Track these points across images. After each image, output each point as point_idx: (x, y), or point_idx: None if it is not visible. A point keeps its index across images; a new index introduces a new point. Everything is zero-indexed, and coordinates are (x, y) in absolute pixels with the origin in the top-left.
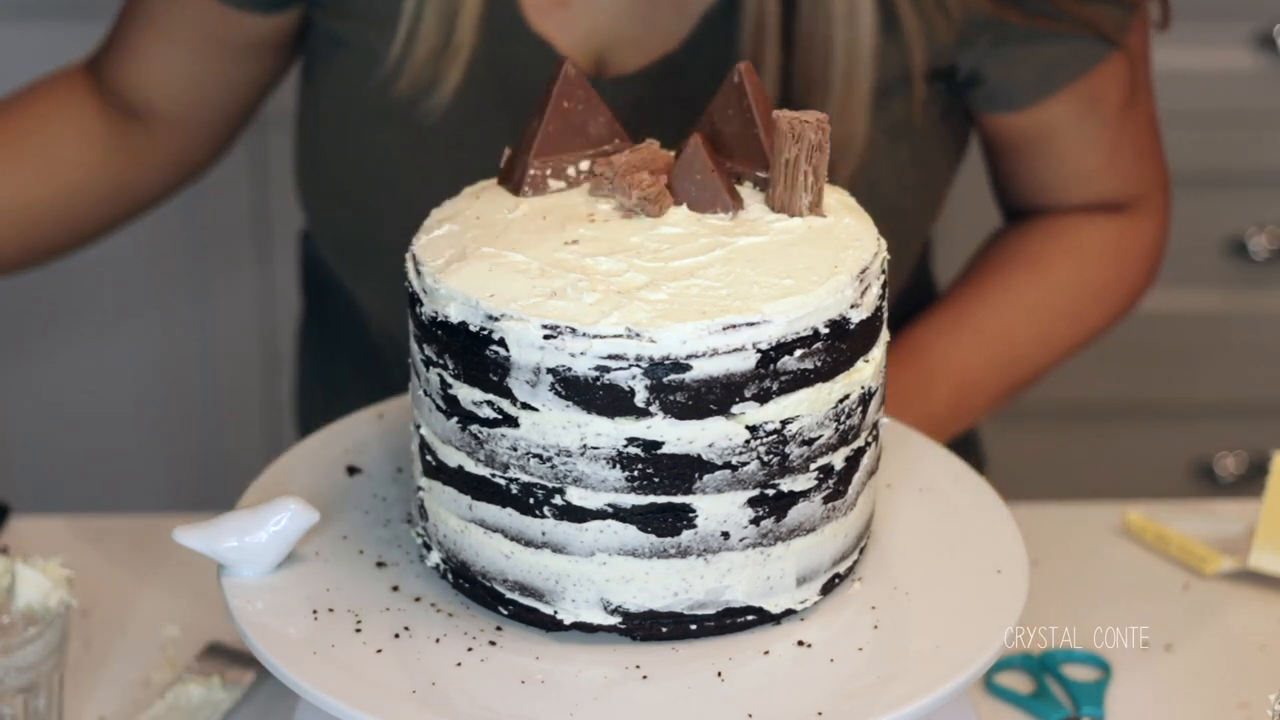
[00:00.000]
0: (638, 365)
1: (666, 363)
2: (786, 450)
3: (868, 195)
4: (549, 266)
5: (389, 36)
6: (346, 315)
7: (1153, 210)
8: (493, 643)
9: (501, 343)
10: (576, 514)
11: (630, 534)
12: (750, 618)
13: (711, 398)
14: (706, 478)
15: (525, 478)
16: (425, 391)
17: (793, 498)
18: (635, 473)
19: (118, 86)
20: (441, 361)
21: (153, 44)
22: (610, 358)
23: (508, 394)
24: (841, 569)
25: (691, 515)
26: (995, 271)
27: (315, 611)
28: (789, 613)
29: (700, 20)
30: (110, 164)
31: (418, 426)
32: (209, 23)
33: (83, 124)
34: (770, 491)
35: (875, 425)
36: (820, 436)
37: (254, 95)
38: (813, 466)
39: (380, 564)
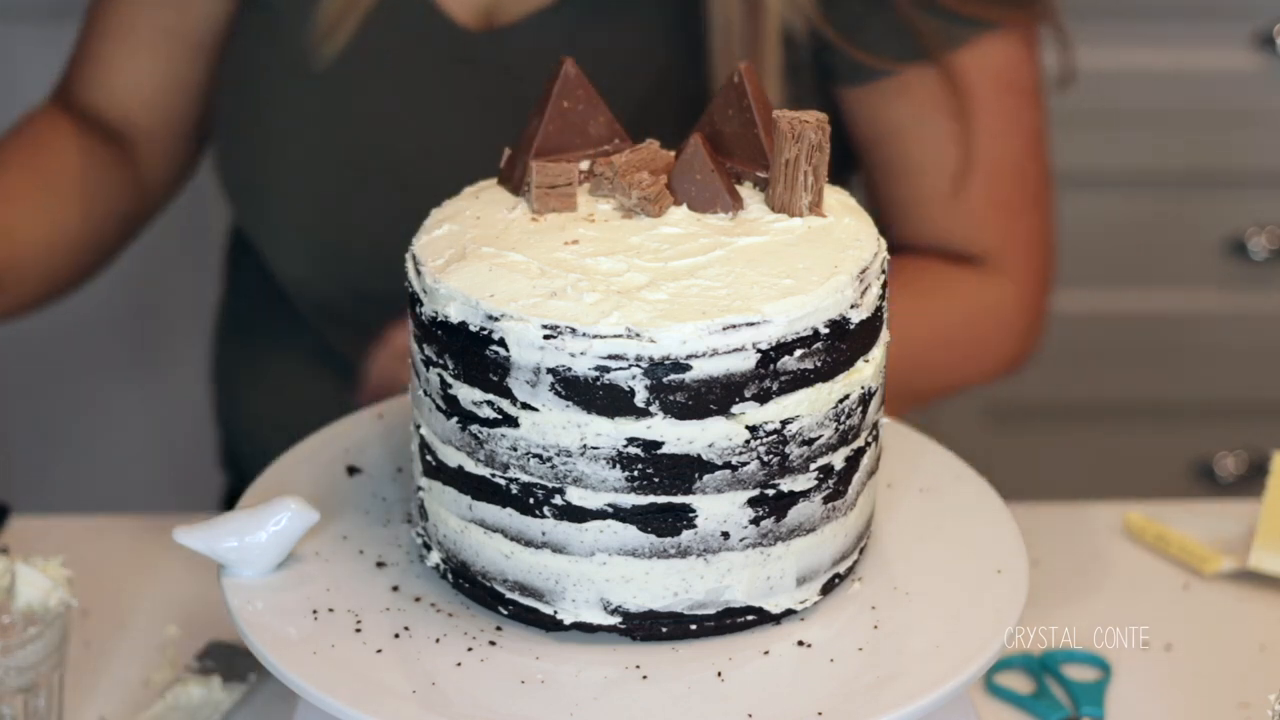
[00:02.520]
0: (638, 365)
1: (666, 363)
2: (786, 450)
3: None
4: (549, 266)
5: None
6: (265, 288)
7: (1015, 277)
8: (493, 643)
9: (501, 343)
10: (576, 514)
11: (630, 534)
12: (750, 618)
13: (711, 398)
14: (706, 478)
15: (525, 478)
16: (425, 391)
17: (793, 498)
18: (635, 473)
19: (93, 108)
20: (441, 361)
21: (115, 52)
22: (610, 358)
23: (508, 394)
24: (841, 569)
25: (691, 515)
26: None
27: (315, 611)
28: (789, 613)
29: None
30: (109, 188)
31: (418, 426)
32: (166, 16)
33: (73, 154)
34: (770, 491)
35: (875, 425)
36: (820, 436)
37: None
38: (813, 466)
39: (380, 564)
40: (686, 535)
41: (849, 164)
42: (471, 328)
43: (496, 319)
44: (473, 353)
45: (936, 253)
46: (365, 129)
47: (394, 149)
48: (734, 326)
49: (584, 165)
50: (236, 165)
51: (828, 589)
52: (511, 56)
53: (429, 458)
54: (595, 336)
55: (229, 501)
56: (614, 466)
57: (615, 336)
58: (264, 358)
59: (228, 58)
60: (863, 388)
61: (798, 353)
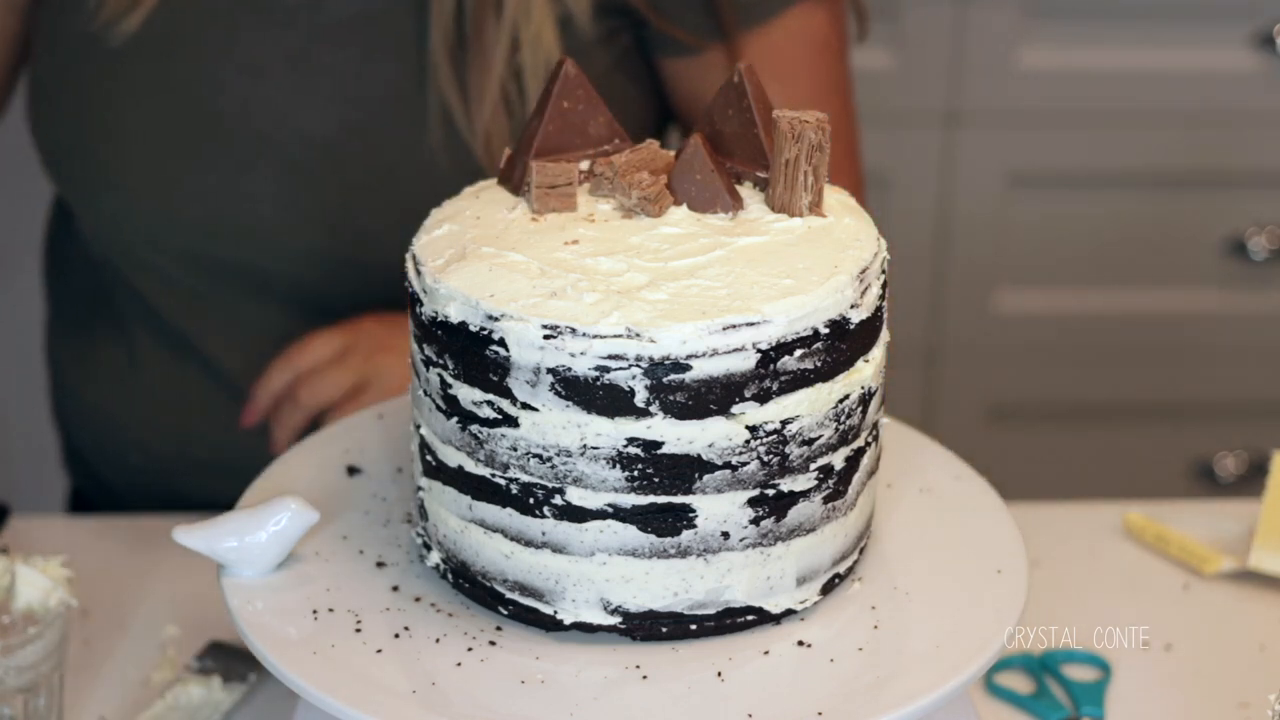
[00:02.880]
0: (638, 365)
1: (666, 363)
2: (786, 450)
3: None
4: (549, 266)
5: None
6: (90, 277)
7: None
8: (493, 643)
9: (501, 343)
10: (576, 514)
11: (630, 534)
12: (750, 618)
13: (711, 398)
14: (706, 478)
15: (525, 478)
16: (425, 391)
17: (793, 498)
18: (635, 473)
19: None
20: (441, 361)
21: None
22: (610, 358)
23: (508, 394)
24: (841, 569)
25: (691, 515)
26: None
27: (315, 611)
28: (789, 613)
29: None
30: None
31: (418, 426)
32: None
33: None
34: (770, 491)
35: (875, 425)
36: (820, 436)
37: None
38: (813, 466)
39: (380, 564)
40: (686, 535)
41: (666, 121)
42: (471, 328)
43: (496, 319)
44: (473, 353)
45: None
46: (187, 94)
47: (222, 113)
48: (734, 326)
49: (584, 165)
50: (67, 144)
51: (828, 589)
52: (327, 18)
53: (429, 458)
54: (595, 336)
55: (75, 503)
56: (614, 466)
57: (615, 336)
58: (96, 351)
59: (39, 30)
60: (863, 388)
61: (798, 353)
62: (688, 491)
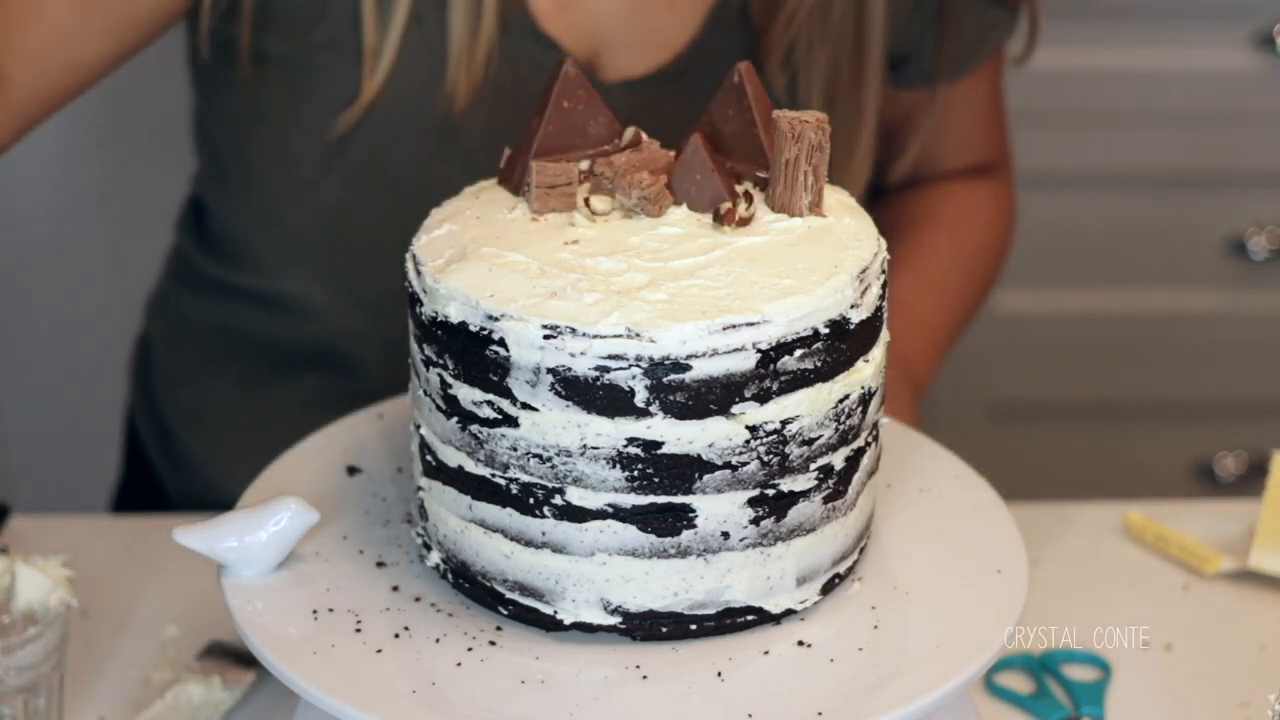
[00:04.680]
0: (638, 365)
1: (666, 363)
2: (786, 450)
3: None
4: (549, 266)
5: (353, 57)
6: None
7: (1008, 170)
8: (493, 643)
9: (501, 343)
10: (576, 514)
11: (630, 534)
12: (750, 618)
13: (711, 398)
14: (706, 478)
15: (525, 478)
16: (425, 391)
17: (793, 498)
18: (635, 473)
19: None
20: (441, 361)
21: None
22: (610, 358)
23: (508, 394)
24: (841, 569)
25: (691, 515)
26: (918, 234)
27: (315, 611)
28: (789, 613)
29: (704, 25)
30: None
31: (418, 426)
32: None
33: None
34: (770, 491)
35: (875, 425)
36: (820, 436)
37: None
38: (813, 466)
39: (380, 564)
40: (686, 535)
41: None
42: (471, 328)
43: (496, 319)
44: (473, 353)
45: (960, 174)
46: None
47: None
48: (734, 326)
49: (584, 165)
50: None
51: (828, 589)
52: (627, 116)
53: (429, 458)
54: (595, 336)
55: (123, 495)
56: (614, 466)
57: (615, 336)
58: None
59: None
60: (863, 388)
61: (798, 353)
62: (688, 491)
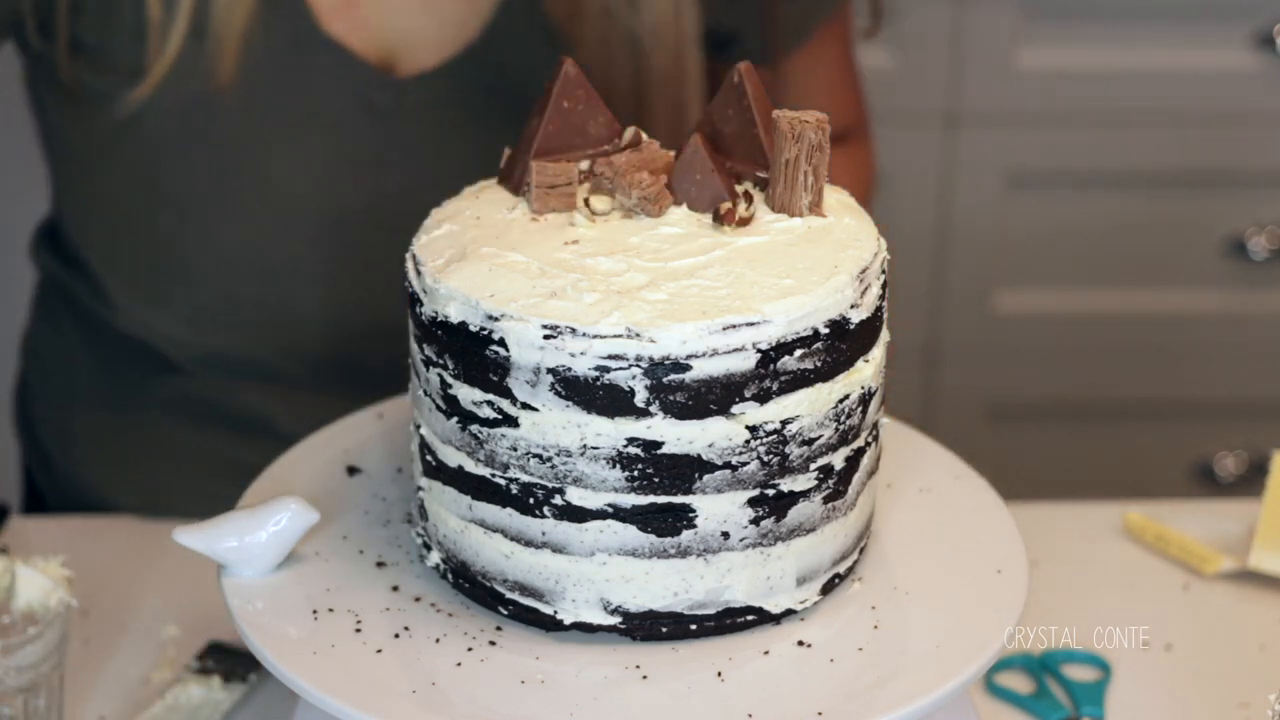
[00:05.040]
0: (638, 365)
1: (666, 363)
2: (786, 450)
3: None
4: (549, 266)
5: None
6: (88, 319)
7: (864, 137)
8: (493, 643)
9: (501, 343)
10: (576, 514)
11: (630, 534)
12: (750, 618)
13: (711, 398)
14: (706, 478)
15: (525, 478)
16: (425, 391)
17: (793, 498)
18: (635, 473)
19: None
20: (441, 361)
21: None
22: (610, 358)
23: (508, 394)
24: (841, 569)
25: (691, 515)
26: None
27: (315, 611)
28: (789, 613)
29: (495, 11)
30: None
31: (418, 426)
32: None
33: None
34: (770, 491)
35: (875, 425)
36: (820, 436)
37: None
38: (813, 466)
39: (380, 564)
40: (686, 535)
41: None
42: (471, 328)
43: (496, 319)
44: (473, 353)
45: None
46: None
47: (309, 199)
48: (734, 326)
49: (584, 165)
50: (130, 246)
51: (828, 589)
52: (431, 108)
53: (429, 458)
54: (595, 336)
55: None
56: (614, 466)
57: (615, 336)
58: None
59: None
60: (863, 388)
61: (798, 353)
62: (688, 491)
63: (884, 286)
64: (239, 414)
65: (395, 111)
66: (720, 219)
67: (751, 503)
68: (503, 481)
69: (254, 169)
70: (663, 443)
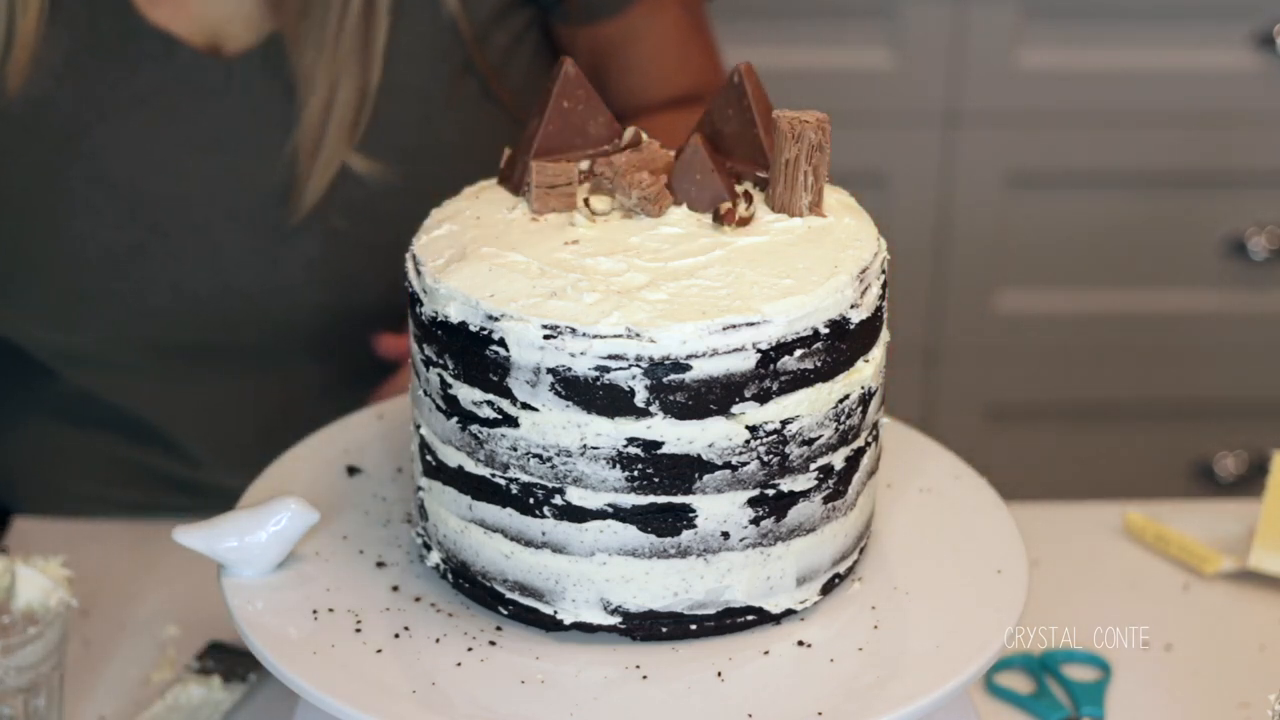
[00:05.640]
0: (638, 365)
1: (666, 363)
2: (786, 450)
3: None
4: (549, 266)
5: None
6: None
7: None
8: (493, 643)
9: (501, 343)
10: (576, 514)
11: (630, 534)
12: (750, 618)
13: (711, 398)
14: (706, 478)
15: (525, 478)
16: (425, 391)
17: (793, 498)
18: (635, 473)
19: None
20: (441, 361)
21: None
22: (610, 358)
23: (508, 394)
24: (841, 569)
25: (691, 515)
26: None
27: (315, 611)
28: (789, 613)
29: None
30: None
31: (418, 426)
32: None
33: None
34: (770, 491)
35: (875, 425)
36: (820, 436)
37: None
38: (813, 466)
39: (380, 564)
40: (686, 535)
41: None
42: (471, 328)
43: (496, 319)
44: (473, 353)
45: (666, 105)
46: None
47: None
48: (734, 326)
49: (584, 165)
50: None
51: (828, 589)
52: (249, 89)
53: (429, 458)
54: (595, 336)
55: None
56: (614, 466)
57: (615, 336)
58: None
59: None
60: (863, 388)
61: (798, 353)
62: (688, 491)
63: (884, 286)
64: (116, 412)
65: (225, 92)
66: (720, 219)
67: (751, 503)
68: (503, 481)
69: (92, 160)
70: (663, 443)
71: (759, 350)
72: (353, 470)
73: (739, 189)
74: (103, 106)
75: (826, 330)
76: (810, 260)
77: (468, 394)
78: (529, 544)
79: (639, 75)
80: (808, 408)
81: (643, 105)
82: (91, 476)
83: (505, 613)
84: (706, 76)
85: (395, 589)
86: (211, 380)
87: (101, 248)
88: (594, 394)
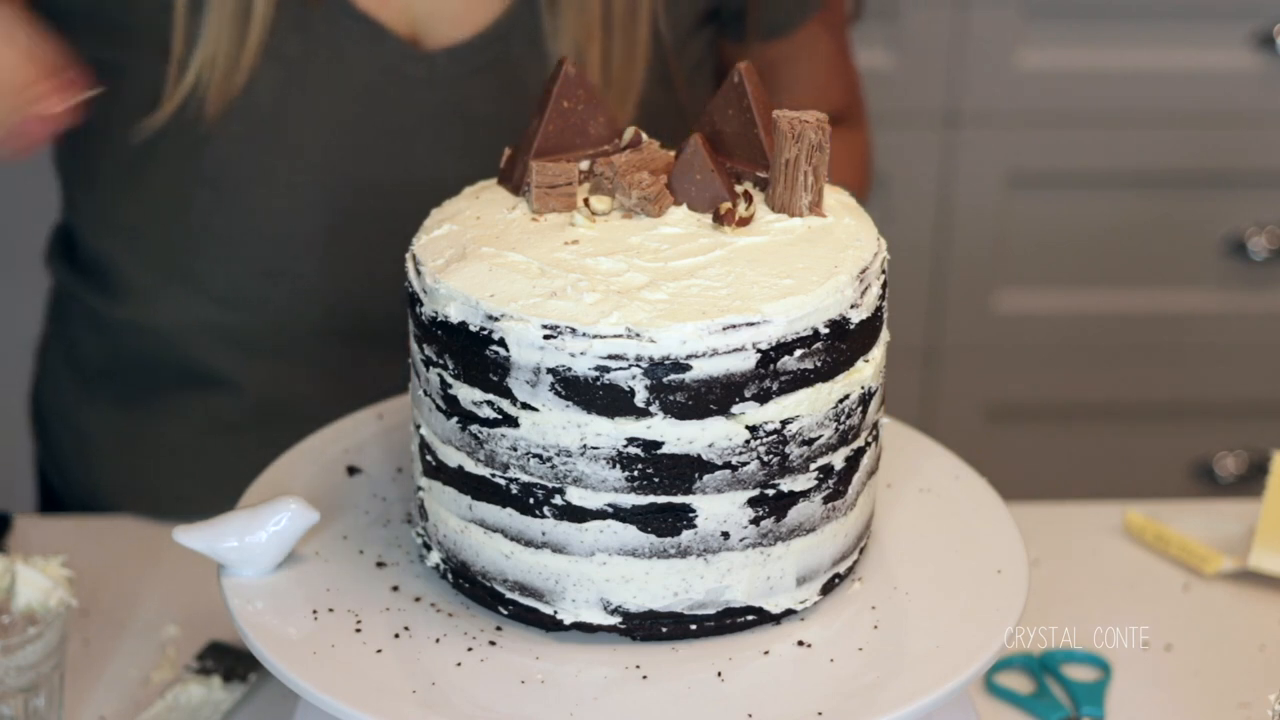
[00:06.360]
0: (638, 365)
1: (666, 363)
2: (786, 450)
3: None
4: (549, 266)
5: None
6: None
7: (860, 118)
8: (493, 643)
9: (501, 343)
10: (576, 514)
11: (630, 534)
12: (750, 618)
13: (711, 398)
14: (706, 478)
15: (525, 478)
16: (425, 391)
17: (793, 498)
18: (635, 473)
19: None
20: (441, 361)
21: None
22: (610, 358)
23: (508, 394)
24: (841, 569)
25: (691, 515)
26: None
27: (315, 611)
28: (789, 613)
29: None
30: None
31: (418, 426)
32: None
33: None
34: (770, 491)
35: (875, 425)
36: (820, 436)
37: None
38: (813, 466)
39: (380, 564)
40: (686, 535)
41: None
42: (471, 328)
43: (496, 319)
44: (473, 353)
45: None
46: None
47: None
48: (734, 326)
49: (584, 165)
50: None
51: (828, 589)
52: (453, 84)
53: (429, 458)
54: (595, 336)
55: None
56: (614, 466)
57: (615, 336)
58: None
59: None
60: (863, 388)
61: (798, 353)
62: (688, 491)
63: (884, 286)
64: (253, 407)
65: (426, 83)
66: (720, 219)
67: (751, 503)
68: (503, 481)
69: (288, 142)
70: (663, 443)
71: (759, 350)
72: (353, 470)
73: (739, 189)
74: (307, 87)
75: (826, 330)
76: (810, 260)
77: (468, 394)
78: (529, 544)
79: (795, 93)
80: (808, 408)
81: None
82: (212, 478)
83: (505, 613)
84: (852, 96)
85: (395, 589)
86: (361, 362)
87: (296, 228)
88: (594, 394)
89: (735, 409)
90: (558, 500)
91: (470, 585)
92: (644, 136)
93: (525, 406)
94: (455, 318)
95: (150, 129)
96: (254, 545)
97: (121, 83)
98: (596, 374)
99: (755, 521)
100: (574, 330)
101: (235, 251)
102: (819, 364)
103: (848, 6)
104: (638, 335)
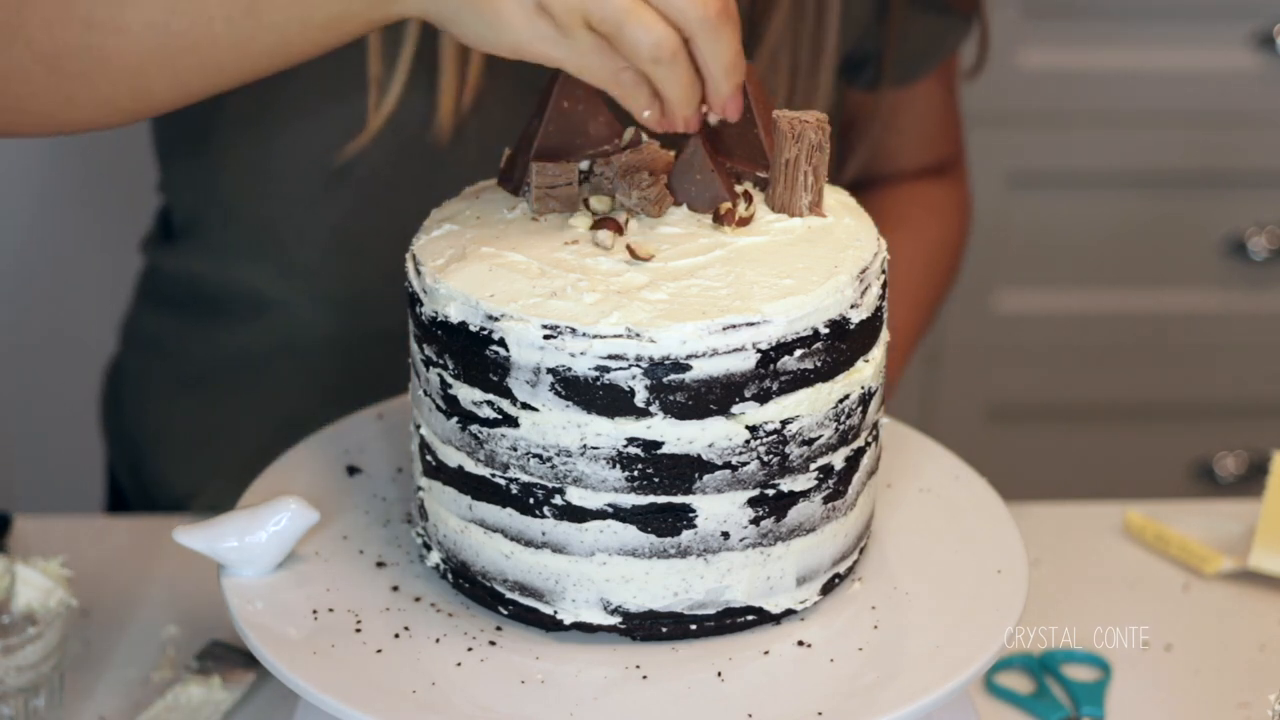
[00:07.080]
0: (638, 365)
1: (666, 363)
2: (786, 450)
3: None
4: (549, 266)
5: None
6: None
7: (962, 169)
8: (493, 643)
9: (501, 343)
10: (576, 514)
11: (630, 534)
12: (750, 618)
13: (711, 398)
14: (706, 478)
15: (525, 478)
16: (425, 391)
17: (793, 498)
18: (635, 473)
19: None
20: (441, 361)
21: None
22: (610, 358)
23: (508, 394)
24: (841, 569)
25: (691, 515)
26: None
27: (315, 611)
28: (789, 613)
29: None
30: None
31: (418, 426)
32: None
33: None
34: (770, 491)
35: (875, 425)
36: (820, 436)
37: None
38: (813, 466)
39: (380, 564)
40: (686, 535)
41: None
42: (471, 328)
43: (496, 319)
44: (473, 353)
45: (917, 174)
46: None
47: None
48: (734, 326)
49: (584, 165)
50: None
51: (828, 589)
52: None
53: (429, 458)
54: (595, 336)
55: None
56: (614, 466)
57: (615, 336)
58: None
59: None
60: (863, 388)
61: (798, 353)
62: (688, 491)
63: (884, 286)
64: (340, 387)
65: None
66: (720, 219)
67: (751, 503)
68: (503, 481)
69: (449, 172)
70: (663, 443)
71: (759, 350)
72: (353, 470)
73: (739, 189)
74: (475, 123)
75: (826, 330)
76: (810, 260)
77: (468, 394)
78: (529, 544)
79: (904, 143)
80: (808, 408)
81: (896, 171)
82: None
83: (505, 613)
84: (958, 146)
85: (395, 589)
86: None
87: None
88: (594, 394)
89: (735, 409)
90: (558, 500)
91: (470, 585)
92: (644, 136)
93: (525, 406)
94: (455, 318)
95: (348, 154)
96: (254, 545)
97: (319, 109)
98: (596, 374)
99: (755, 521)
100: (574, 330)
101: (262, 203)
102: (819, 364)
103: (971, 60)
104: (638, 335)
